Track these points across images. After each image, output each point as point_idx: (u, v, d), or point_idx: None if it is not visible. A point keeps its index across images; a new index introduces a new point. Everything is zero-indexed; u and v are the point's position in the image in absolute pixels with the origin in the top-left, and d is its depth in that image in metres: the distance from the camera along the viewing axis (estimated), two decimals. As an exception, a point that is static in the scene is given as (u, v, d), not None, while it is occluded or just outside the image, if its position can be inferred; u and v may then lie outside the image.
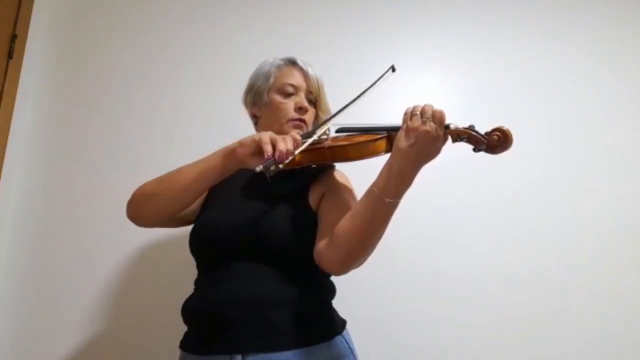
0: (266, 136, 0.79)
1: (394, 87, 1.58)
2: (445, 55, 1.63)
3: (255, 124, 1.15)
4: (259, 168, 0.75)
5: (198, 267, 0.98)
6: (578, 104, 1.60)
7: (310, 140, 0.85)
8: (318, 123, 1.10)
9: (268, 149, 0.77)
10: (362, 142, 0.87)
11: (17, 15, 1.45)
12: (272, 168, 0.76)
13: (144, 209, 0.92)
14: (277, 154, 0.77)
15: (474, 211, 1.48)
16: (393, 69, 1.04)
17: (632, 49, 1.66)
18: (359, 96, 0.97)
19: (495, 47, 1.64)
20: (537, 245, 1.46)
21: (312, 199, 0.98)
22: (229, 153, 0.86)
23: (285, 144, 0.78)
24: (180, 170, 0.90)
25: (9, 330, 1.33)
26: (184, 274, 1.02)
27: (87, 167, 1.46)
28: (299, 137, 0.82)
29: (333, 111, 1.10)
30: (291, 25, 1.62)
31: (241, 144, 0.84)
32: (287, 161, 0.78)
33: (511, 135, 0.75)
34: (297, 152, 0.81)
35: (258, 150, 0.80)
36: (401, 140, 0.80)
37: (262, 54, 1.14)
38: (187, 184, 0.88)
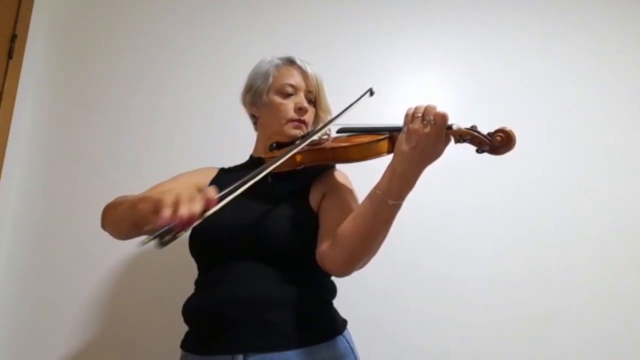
0: (170, 196, 0.63)
1: (394, 87, 1.59)
2: (445, 55, 1.63)
3: (255, 123, 1.15)
4: (143, 242, 0.60)
5: (198, 267, 0.98)
6: (578, 104, 1.60)
7: (247, 185, 0.76)
8: (318, 122, 1.10)
9: (165, 215, 0.61)
10: (364, 143, 0.87)
11: (17, 15, 1.45)
12: (165, 238, 0.60)
13: (104, 225, 0.95)
14: (175, 220, 0.61)
15: (474, 212, 1.48)
16: (371, 92, 1.02)
17: (632, 49, 1.66)
18: (336, 116, 0.96)
19: (495, 47, 1.64)
20: (538, 245, 1.46)
21: (313, 199, 0.98)
22: (133, 207, 0.76)
23: (189, 206, 0.62)
24: (122, 204, 0.86)
25: (9, 330, 1.33)
26: (184, 274, 1.02)
27: (87, 167, 1.46)
28: (213, 195, 0.65)
29: (333, 109, 1.10)
30: (291, 25, 1.62)
31: (144, 199, 0.73)
32: (184, 231, 0.62)
33: (514, 136, 0.74)
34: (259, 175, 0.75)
35: (156, 209, 0.64)
36: (403, 143, 0.79)
37: (262, 54, 1.14)
38: (118, 221, 0.89)
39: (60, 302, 1.36)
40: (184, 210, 0.61)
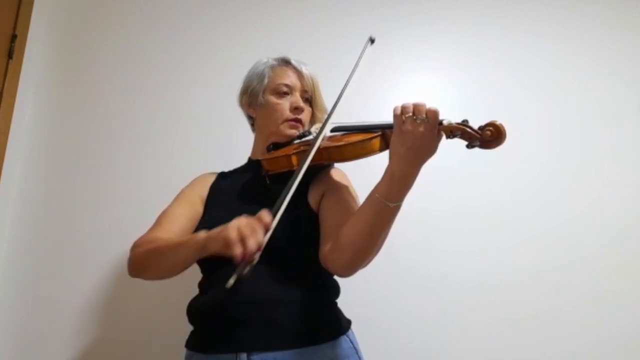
0: (233, 232, 0.69)
1: (394, 87, 1.59)
2: (445, 56, 1.63)
3: (252, 124, 1.15)
4: (229, 284, 0.68)
5: (202, 269, 0.99)
6: (577, 105, 1.60)
7: (310, 157, 0.84)
8: (315, 121, 1.09)
9: (237, 253, 0.67)
10: (357, 141, 0.87)
11: (17, 15, 1.45)
12: (246, 271, 0.70)
13: (141, 276, 0.96)
14: (247, 254, 0.68)
15: (476, 212, 1.48)
16: (372, 40, 1.00)
17: (632, 49, 1.66)
18: (348, 80, 0.94)
19: (496, 47, 1.64)
20: (538, 245, 1.46)
21: (312, 198, 0.98)
22: (201, 248, 0.80)
23: (254, 238, 0.68)
24: (163, 252, 0.89)
25: (9, 330, 1.33)
26: (188, 275, 1.02)
27: (87, 167, 1.46)
28: (268, 219, 0.71)
29: (330, 109, 1.09)
30: (290, 26, 1.62)
31: (209, 239, 0.77)
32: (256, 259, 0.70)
33: (504, 130, 0.73)
34: (295, 183, 0.80)
35: (227, 247, 0.70)
36: (398, 145, 0.78)
37: (261, 55, 1.14)
38: (170, 267, 0.90)
39: (62, 302, 1.35)
40: (252, 244, 0.68)
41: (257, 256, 0.70)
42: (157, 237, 0.93)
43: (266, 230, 0.71)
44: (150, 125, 1.51)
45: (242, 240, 0.68)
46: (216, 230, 0.75)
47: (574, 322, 1.41)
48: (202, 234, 0.79)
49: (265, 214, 0.71)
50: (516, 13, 1.68)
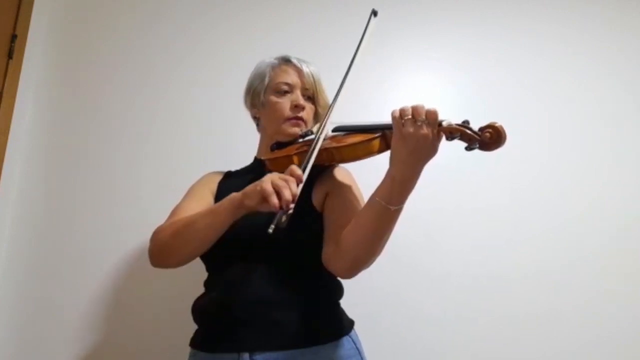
0: (268, 185, 0.74)
1: (394, 87, 1.59)
2: (445, 56, 1.63)
3: (257, 125, 1.15)
4: (271, 229, 0.71)
5: (207, 269, 0.99)
6: (577, 105, 1.60)
7: (314, 155, 0.85)
8: (318, 119, 1.09)
9: (274, 202, 0.72)
10: (356, 142, 0.86)
11: (17, 15, 1.45)
12: (284, 220, 0.73)
13: (167, 261, 0.92)
14: (283, 203, 0.72)
15: (477, 213, 1.48)
16: (375, 13, 1.02)
17: (632, 49, 1.66)
18: (353, 59, 0.97)
19: (496, 47, 1.64)
20: (538, 245, 1.46)
21: (316, 198, 0.97)
22: (237, 206, 0.81)
23: (289, 188, 0.73)
24: (192, 224, 0.87)
25: (9, 330, 1.33)
26: (193, 274, 1.02)
27: (87, 167, 1.46)
28: (299, 172, 0.77)
29: (335, 105, 1.09)
30: (291, 26, 1.62)
31: (246, 195, 0.79)
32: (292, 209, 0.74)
33: (504, 132, 0.72)
34: (307, 170, 0.81)
35: (264, 199, 0.74)
36: (399, 149, 0.77)
37: (263, 55, 1.14)
38: (202, 238, 0.86)
39: (62, 302, 1.35)
40: (287, 194, 0.72)
41: (292, 207, 0.73)
42: (180, 218, 0.91)
43: (298, 183, 0.75)
44: (150, 125, 1.51)
45: (278, 192, 0.73)
46: (251, 186, 0.78)
47: (574, 322, 1.41)
48: (236, 193, 0.81)
49: (295, 168, 0.77)
50: (516, 13, 1.68)
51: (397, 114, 0.77)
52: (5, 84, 1.38)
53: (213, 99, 1.52)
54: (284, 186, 0.73)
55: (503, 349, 1.39)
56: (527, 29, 1.66)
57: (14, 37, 1.43)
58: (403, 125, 0.76)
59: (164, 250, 0.90)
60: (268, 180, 0.75)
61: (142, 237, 1.38)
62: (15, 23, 1.44)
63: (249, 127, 1.18)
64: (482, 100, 1.58)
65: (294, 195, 0.73)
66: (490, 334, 1.39)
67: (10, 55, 1.41)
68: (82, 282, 1.37)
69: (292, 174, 0.76)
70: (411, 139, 0.75)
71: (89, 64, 1.54)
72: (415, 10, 1.66)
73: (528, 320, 1.40)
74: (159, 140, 1.49)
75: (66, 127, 1.49)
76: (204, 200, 1.01)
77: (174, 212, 0.98)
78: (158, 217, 1.00)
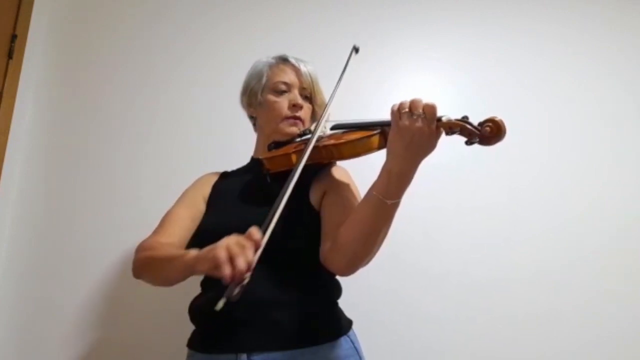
0: (222, 251, 0.64)
1: (395, 87, 1.59)
2: (445, 56, 1.63)
3: (254, 124, 1.15)
4: (220, 305, 0.63)
5: None
6: (578, 104, 1.60)
7: (306, 155, 0.83)
8: (316, 119, 1.09)
9: (226, 273, 0.63)
10: (355, 139, 0.86)
11: (17, 15, 1.45)
12: (236, 292, 0.64)
13: (143, 279, 0.96)
14: (236, 274, 0.63)
15: (477, 212, 1.48)
16: (356, 50, 1.02)
17: (632, 49, 1.66)
18: (334, 90, 0.96)
19: (496, 47, 1.64)
20: (539, 245, 1.46)
21: (313, 197, 0.97)
22: (189, 268, 0.76)
23: (244, 256, 0.64)
24: (160, 261, 0.88)
25: (9, 330, 1.33)
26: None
27: (87, 167, 1.46)
28: (257, 236, 0.67)
29: (332, 107, 1.09)
30: (291, 26, 1.62)
31: (198, 260, 0.73)
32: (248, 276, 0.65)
33: (504, 126, 0.72)
34: (295, 176, 0.78)
35: (215, 267, 0.65)
36: (396, 143, 0.77)
37: (262, 55, 1.14)
38: (166, 277, 0.89)
39: (62, 302, 1.35)
40: (241, 263, 0.63)
41: (247, 276, 0.65)
42: (157, 245, 0.92)
43: (256, 249, 0.67)
44: (150, 125, 1.51)
45: (231, 260, 0.64)
46: (205, 250, 0.71)
47: (573, 322, 1.41)
48: (193, 252, 0.76)
49: (255, 231, 0.67)
50: (516, 13, 1.68)
51: (395, 107, 0.78)
52: (5, 84, 1.38)
53: (213, 99, 1.52)
54: (238, 254, 0.64)
55: (502, 348, 1.39)
56: (527, 29, 1.66)
57: (14, 37, 1.43)
58: (400, 118, 0.76)
59: (140, 270, 0.94)
60: (223, 246, 0.65)
61: (142, 237, 1.35)
62: (15, 23, 1.44)
63: (249, 127, 1.18)
64: (482, 100, 1.58)
65: (249, 264, 0.64)
66: (489, 333, 1.39)
67: (10, 55, 1.41)
68: (82, 282, 1.37)
69: (251, 239, 0.66)
70: (407, 132, 0.75)
71: (89, 64, 1.54)
72: (415, 10, 1.66)
73: (527, 320, 1.41)
74: (159, 140, 1.49)
75: (66, 127, 1.49)
76: (195, 208, 1.02)
77: (162, 221, 0.99)
78: (158, 217, 1.01)
